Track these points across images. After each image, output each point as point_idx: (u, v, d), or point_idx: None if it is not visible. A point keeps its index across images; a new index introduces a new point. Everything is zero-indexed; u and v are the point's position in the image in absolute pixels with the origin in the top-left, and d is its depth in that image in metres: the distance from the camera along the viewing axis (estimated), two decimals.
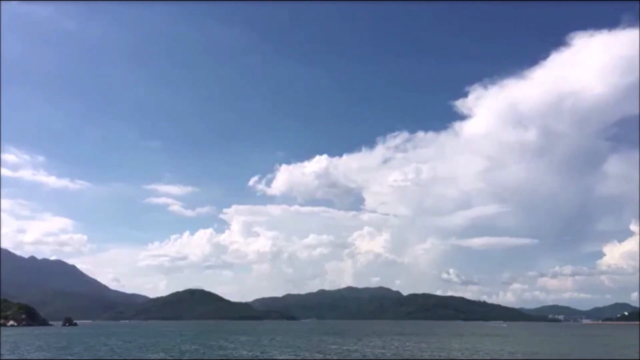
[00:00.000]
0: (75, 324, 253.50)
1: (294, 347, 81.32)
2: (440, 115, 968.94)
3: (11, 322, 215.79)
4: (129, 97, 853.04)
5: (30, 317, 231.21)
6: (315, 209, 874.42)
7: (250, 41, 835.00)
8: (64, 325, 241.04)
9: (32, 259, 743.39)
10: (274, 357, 62.44)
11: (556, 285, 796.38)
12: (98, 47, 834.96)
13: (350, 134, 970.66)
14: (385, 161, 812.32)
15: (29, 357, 62.26)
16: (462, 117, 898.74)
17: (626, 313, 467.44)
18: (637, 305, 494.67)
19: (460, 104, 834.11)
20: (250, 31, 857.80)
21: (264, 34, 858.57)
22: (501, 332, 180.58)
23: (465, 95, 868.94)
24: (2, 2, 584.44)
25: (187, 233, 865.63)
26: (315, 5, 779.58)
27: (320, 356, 64.54)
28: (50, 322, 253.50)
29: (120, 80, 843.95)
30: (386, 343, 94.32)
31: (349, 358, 62.68)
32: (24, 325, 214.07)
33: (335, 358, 62.52)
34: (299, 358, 62.31)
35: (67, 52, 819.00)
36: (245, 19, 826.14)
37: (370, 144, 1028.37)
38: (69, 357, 62.38)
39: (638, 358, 65.76)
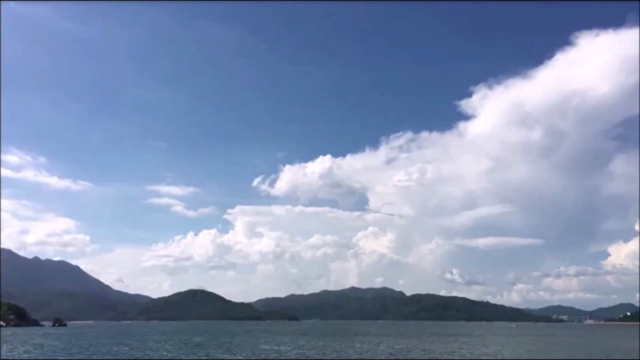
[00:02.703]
0: (65, 325, 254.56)
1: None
2: (444, 115, 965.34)
3: (0, 323, 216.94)
4: (130, 98, 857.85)
5: (20, 317, 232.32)
6: (319, 209, 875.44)
7: (253, 41, 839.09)
8: (53, 325, 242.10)
9: (36, 259, 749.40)
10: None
11: (561, 285, 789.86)
12: (98, 47, 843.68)
13: (354, 134, 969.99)
14: (389, 161, 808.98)
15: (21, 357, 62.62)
16: (467, 117, 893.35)
17: (629, 313, 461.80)
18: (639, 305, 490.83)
19: (465, 104, 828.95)
20: (254, 31, 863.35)
21: (268, 34, 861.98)
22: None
23: (469, 95, 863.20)
24: (1, 2, 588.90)
25: (190, 233, 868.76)
26: (319, 5, 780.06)
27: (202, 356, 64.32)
28: (41, 323, 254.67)
29: (121, 80, 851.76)
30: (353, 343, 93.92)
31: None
32: (12, 325, 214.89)
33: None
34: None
35: (68, 52, 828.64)
36: (249, 19, 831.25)
37: (374, 144, 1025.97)
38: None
39: (638, 358, 65.66)
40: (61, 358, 62.06)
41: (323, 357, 65.69)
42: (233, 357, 62.98)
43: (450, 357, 67.40)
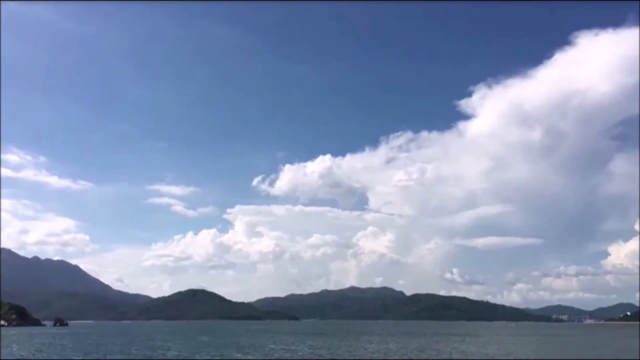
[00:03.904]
0: (66, 324, 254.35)
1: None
2: (444, 115, 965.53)
3: (2, 322, 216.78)
4: (131, 98, 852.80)
5: (21, 317, 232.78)
6: (319, 209, 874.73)
7: (253, 41, 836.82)
8: (54, 325, 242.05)
9: (36, 259, 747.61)
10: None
11: (561, 285, 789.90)
12: (98, 47, 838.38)
13: (354, 134, 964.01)
14: (389, 161, 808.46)
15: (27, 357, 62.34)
16: (467, 117, 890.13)
17: (629, 313, 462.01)
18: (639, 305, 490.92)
19: (465, 104, 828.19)
20: (254, 31, 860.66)
21: (268, 34, 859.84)
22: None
23: (469, 95, 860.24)
24: (2, 2, 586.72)
25: (190, 233, 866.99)
26: (319, 5, 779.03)
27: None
28: (43, 323, 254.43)
29: (121, 80, 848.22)
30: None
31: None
32: (14, 325, 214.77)
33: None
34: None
35: (68, 52, 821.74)
36: (250, 19, 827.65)
37: (374, 143, 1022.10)
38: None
39: (638, 358, 65.60)
40: (76, 358, 61.65)
41: (336, 357, 65.44)
42: (245, 357, 62.57)
43: (463, 357, 67.22)
